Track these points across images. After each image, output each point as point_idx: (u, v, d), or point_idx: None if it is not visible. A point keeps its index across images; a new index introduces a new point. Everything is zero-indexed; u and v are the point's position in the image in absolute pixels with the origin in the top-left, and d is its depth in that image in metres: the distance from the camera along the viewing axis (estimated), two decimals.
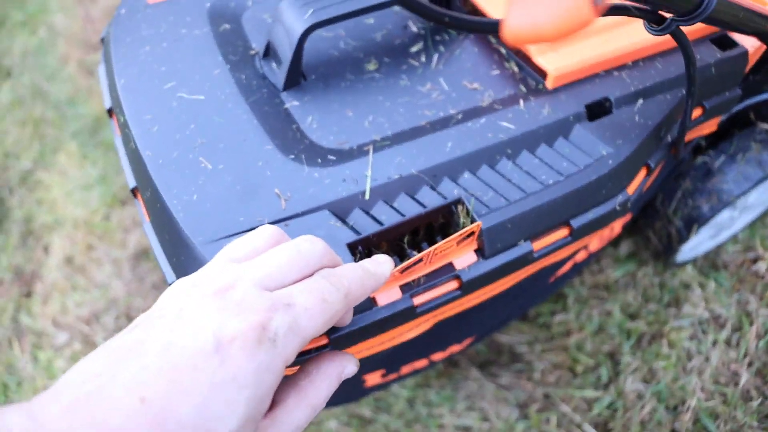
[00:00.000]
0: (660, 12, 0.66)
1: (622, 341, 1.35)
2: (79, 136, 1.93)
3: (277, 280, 0.43)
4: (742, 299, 1.35)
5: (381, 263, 0.51)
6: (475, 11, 0.95)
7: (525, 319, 1.41)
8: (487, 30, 0.51)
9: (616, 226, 1.13)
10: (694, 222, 1.18)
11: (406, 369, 1.01)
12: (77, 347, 1.53)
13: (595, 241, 1.11)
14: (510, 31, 0.42)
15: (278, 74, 0.87)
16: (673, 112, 0.89)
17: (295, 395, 0.45)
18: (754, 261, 1.39)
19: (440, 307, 0.75)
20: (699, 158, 1.17)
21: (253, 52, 0.93)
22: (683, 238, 1.21)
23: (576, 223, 0.80)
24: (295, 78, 0.87)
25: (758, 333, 1.32)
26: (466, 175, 0.77)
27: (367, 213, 0.73)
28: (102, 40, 1.00)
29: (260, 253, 0.45)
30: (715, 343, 1.32)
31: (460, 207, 0.74)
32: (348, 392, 1.04)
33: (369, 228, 0.71)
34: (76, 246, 1.72)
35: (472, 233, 0.71)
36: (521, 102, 0.85)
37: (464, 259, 0.73)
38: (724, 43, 0.97)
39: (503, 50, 0.92)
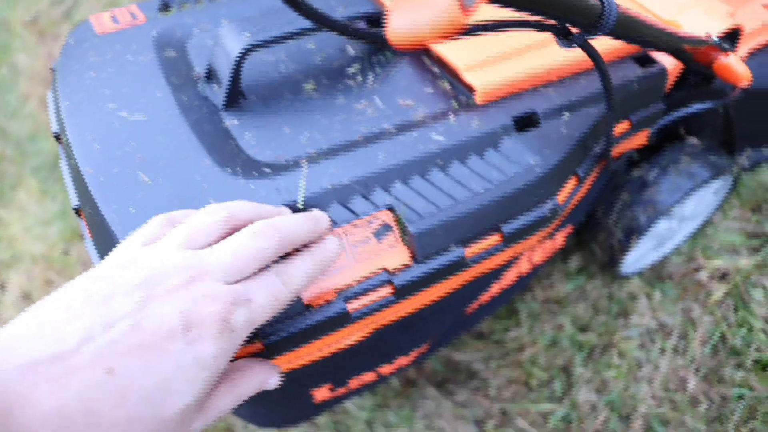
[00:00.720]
0: (568, 27, 0.71)
1: (575, 353, 1.37)
2: (40, 171, 1.93)
3: (237, 274, 0.48)
4: (686, 307, 1.40)
5: (329, 250, 0.62)
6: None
7: (480, 337, 1.43)
8: (374, 38, 0.54)
9: (559, 238, 1.17)
10: (633, 232, 1.22)
11: (354, 383, 1.02)
12: None
13: (538, 253, 1.15)
14: (393, 37, 0.45)
15: (218, 95, 0.90)
16: (598, 124, 0.94)
17: (227, 384, 0.50)
18: (696, 270, 1.44)
19: (376, 312, 0.77)
20: (635, 171, 1.22)
21: (196, 76, 0.96)
22: (625, 248, 1.25)
23: (507, 229, 0.83)
24: (235, 98, 0.90)
25: (703, 339, 1.36)
26: (398, 184, 0.81)
27: None
28: (52, 69, 1.03)
29: (214, 237, 0.52)
30: (663, 351, 1.36)
31: (392, 214, 0.77)
32: (298, 410, 1.04)
33: None
34: (34, 282, 1.72)
35: (385, 223, 0.74)
36: (452, 116, 0.89)
37: (396, 262, 0.76)
38: (644, 61, 1.03)
39: (437, 70, 0.96)
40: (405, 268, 0.77)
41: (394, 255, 0.77)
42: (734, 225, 1.48)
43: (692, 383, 1.32)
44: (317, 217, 0.63)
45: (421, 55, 0.99)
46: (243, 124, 0.88)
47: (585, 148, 0.94)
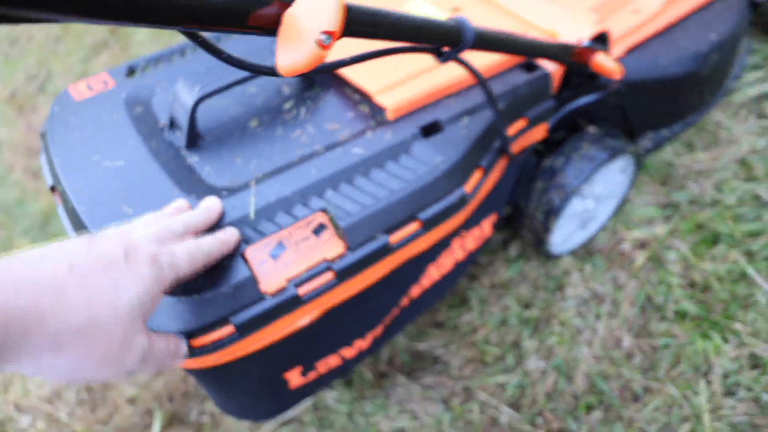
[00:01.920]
0: (440, 48, 0.92)
1: (522, 329, 1.56)
2: (30, 231, 2.11)
3: (169, 238, 0.78)
4: (614, 276, 1.59)
5: (228, 233, 0.90)
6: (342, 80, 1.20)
7: (438, 326, 1.61)
8: (266, 72, 0.72)
9: (486, 226, 1.37)
10: (550, 214, 1.42)
11: (322, 367, 1.20)
12: (41, 426, 1.65)
13: (469, 241, 1.34)
14: (281, 70, 0.65)
15: (180, 138, 1.10)
16: (494, 123, 1.15)
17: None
18: (620, 243, 1.64)
19: (322, 294, 0.96)
20: (546, 161, 1.43)
21: (161, 126, 1.16)
22: (547, 229, 1.45)
23: (423, 216, 1.03)
24: (194, 140, 1.10)
25: (631, 301, 1.55)
26: (330, 191, 1.00)
27: (254, 228, 0.94)
28: (42, 134, 1.22)
29: (168, 215, 0.86)
30: (598, 316, 1.55)
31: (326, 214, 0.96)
32: (278, 397, 1.21)
33: (255, 238, 0.92)
34: None
35: (321, 223, 0.94)
36: (369, 133, 1.09)
37: (333, 252, 0.95)
38: (530, 67, 1.24)
39: (356, 96, 1.17)
40: (341, 256, 0.96)
41: (331, 247, 0.96)
42: (648, 199, 1.69)
43: (626, 341, 1.51)
44: (209, 206, 0.92)
45: (343, 86, 1.20)
46: (202, 159, 1.08)
47: (484, 145, 1.14)
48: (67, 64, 2.73)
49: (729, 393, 1.39)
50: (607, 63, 1.26)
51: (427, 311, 1.62)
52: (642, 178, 1.73)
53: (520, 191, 1.47)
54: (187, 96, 1.07)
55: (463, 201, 1.08)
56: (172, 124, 1.13)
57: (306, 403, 1.54)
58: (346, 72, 1.19)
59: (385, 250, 1.00)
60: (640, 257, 1.60)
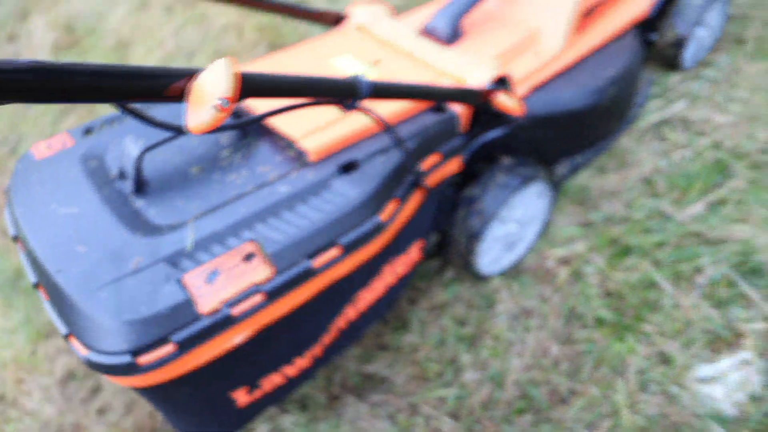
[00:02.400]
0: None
1: (459, 345, 1.70)
2: (2, 289, 2.22)
3: None
4: (540, 292, 1.75)
5: None
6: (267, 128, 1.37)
7: (384, 348, 1.75)
8: (180, 131, 0.88)
9: (413, 251, 1.53)
10: (473, 238, 1.58)
11: (267, 385, 1.33)
12: None
13: (399, 266, 1.49)
14: (190, 129, 0.81)
15: (128, 186, 1.25)
16: (405, 160, 1.31)
17: None
18: (545, 261, 1.80)
19: (254, 314, 1.10)
20: (467, 191, 1.60)
21: (112, 176, 1.31)
22: (471, 252, 1.61)
23: (343, 241, 1.18)
24: (140, 187, 1.25)
25: (557, 313, 1.70)
26: (259, 224, 1.16)
27: (192, 258, 1.09)
28: (6, 191, 1.36)
29: None
30: (527, 329, 1.69)
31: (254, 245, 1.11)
32: (226, 414, 1.33)
33: (193, 266, 1.07)
34: (5, 384, 1.97)
35: (251, 251, 1.08)
36: (294, 173, 1.25)
37: (262, 276, 1.09)
38: (439, 109, 1.42)
39: (284, 142, 1.34)
40: (269, 279, 1.10)
41: (260, 271, 1.10)
42: (569, 220, 1.87)
43: (554, 349, 1.65)
44: None
45: (272, 134, 1.36)
46: (148, 203, 1.23)
47: (398, 179, 1.30)
48: (38, 126, 2.89)
49: (643, 389, 1.53)
50: (507, 102, 1.45)
51: (369, 332, 1.75)
52: (562, 201, 1.91)
53: (445, 219, 1.63)
54: (132, 149, 1.23)
55: (378, 228, 1.24)
56: (122, 175, 1.29)
57: (263, 428, 1.66)
58: (274, 121, 1.36)
59: (309, 273, 1.15)
60: (563, 273, 1.76)
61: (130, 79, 0.72)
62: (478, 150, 1.56)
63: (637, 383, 1.54)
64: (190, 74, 0.80)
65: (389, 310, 1.75)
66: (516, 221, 1.71)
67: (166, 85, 0.78)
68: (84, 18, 3.84)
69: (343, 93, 1.05)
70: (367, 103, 1.17)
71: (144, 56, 3.26)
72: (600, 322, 1.66)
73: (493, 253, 1.72)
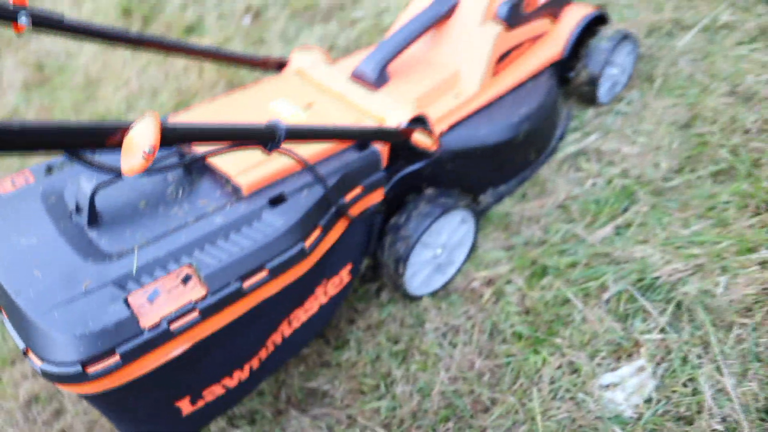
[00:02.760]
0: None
1: (391, 360, 1.86)
2: None
3: None
4: (467, 310, 1.92)
5: None
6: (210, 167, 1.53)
7: (326, 365, 1.90)
8: (113, 171, 1.05)
9: (344, 274, 1.69)
10: (399, 261, 1.75)
11: (208, 396, 1.47)
12: None
13: (330, 288, 1.66)
14: (124, 172, 0.97)
15: (83, 219, 1.40)
16: (328, 192, 1.48)
17: None
18: (472, 282, 1.97)
19: (190, 328, 1.25)
20: (393, 219, 1.77)
21: (69, 211, 1.46)
22: (399, 275, 1.78)
23: (270, 266, 1.34)
24: (94, 219, 1.40)
25: (481, 330, 1.87)
26: (196, 251, 1.32)
27: (136, 281, 1.24)
28: None
29: None
30: (454, 345, 1.86)
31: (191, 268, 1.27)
32: (173, 423, 1.47)
33: (136, 287, 1.22)
34: None
35: (187, 274, 1.24)
36: (229, 206, 1.42)
37: (197, 295, 1.25)
38: (362, 146, 1.60)
39: (222, 179, 1.50)
40: (203, 298, 1.26)
41: (196, 291, 1.26)
42: (494, 244, 2.05)
43: (478, 362, 1.81)
44: None
45: (213, 171, 1.53)
46: (100, 234, 1.38)
47: (321, 209, 1.47)
48: (5, 163, 3.02)
49: (555, 396, 1.70)
50: (422, 139, 1.64)
51: (312, 351, 1.90)
52: (488, 227, 2.09)
53: (376, 245, 1.80)
54: (86, 186, 1.38)
55: (302, 253, 1.40)
56: (78, 209, 1.44)
57: None
58: (214, 160, 1.52)
59: (239, 293, 1.31)
60: (487, 293, 1.93)
61: (78, 134, 0.90)
62: (399, 182, 1.74)
63: (550, 391, 1.71)
64: (124, 127, 0.97)
65: (325, 327, 1.90)
66: (442, 246, 1.88)
67: (106, 138, 0.96)
68: (54, 56, 4.00)
69: (262, 137, 1.22)
70: (290, 145, 1.34)
71: (111, 94, 3.42)
72: (518, 336, 1.83)
73: (422, 276, 1.89)
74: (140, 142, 0.96)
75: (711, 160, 2.08)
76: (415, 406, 1.76)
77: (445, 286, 2.00)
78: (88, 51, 3.82)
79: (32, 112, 3.49)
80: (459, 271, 2.02)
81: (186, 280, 1.27)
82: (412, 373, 1.82)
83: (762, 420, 1.55)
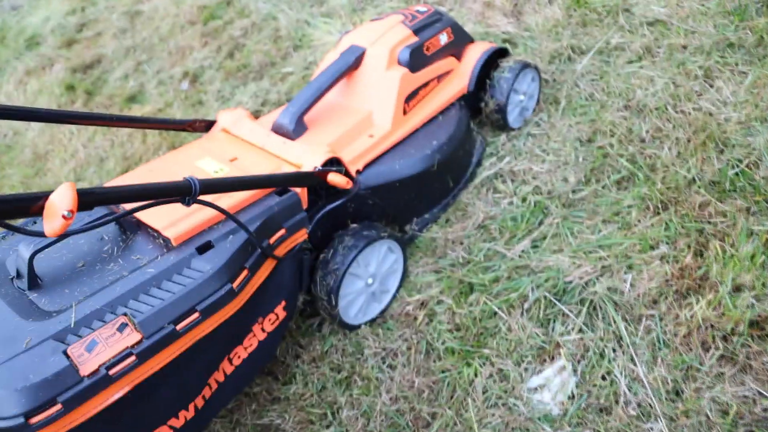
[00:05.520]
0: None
1: (336, 389, 1.96)
2: None
3: None
4: (403, 333, 2.04)
5: None
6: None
7: (276, 401, 1.99)
8: (40, 235, 1.17)
9: (279, 311, 1.81)
10: (331, 293, 1.88)
11: None
12: None
13: (267, 325, 1.77)
14: (47, 233, 1.09)
15: (24, 283, 1.51)
16: (252, 237, 1.61)
17: None
18: (406, 306, 2.10)
19: (129, 372, 1.35)
20: (322, 255, 1.91)
21: (11, 277, 1.56)
22: (333, 306, 1.90)
23: (200, 307, 1.46)
24: (34, 282, 1.51)
25: (417, 350, 1.99)
26: (131, 300, 1.43)
27: (75, 334, 1.35)
28: None
29: None
30: (393, 367, 1.98)
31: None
32: None
33: (75, 340, 1.33)
34: None
35: (123, 322, 1.36)
36: (160, 257, 1.54)
37: (133, 341, 1.35)
38: (282, 192, 1.74)
39: (153, 233, 1.62)
40: (138, 342, 1.37)
41: (132, 337, 1.37)
42: (424, 268, 2.19)
43: (417, 381, 1.93)
44: None
45: (144, 227, 1.65)
46: (40, 295, 1.49)
47: (247, 252, 1.60)
48: None
49: (488, 404, 1.83)
50: (336, 179, 1.79)
51: (262, 389, 2.00)
52: (417, 253, 2.24)
53: (309, 281, 1.93)
54: (25, 252, 1.49)
55: (231, 293, 1.52)
56: (18, 274, 1.55)
57: None
58: (144, 217, 1.64)
59: (172, 335, 1.42)
60: (420, 314, 2.07)
61: (4, 206, 1.03)
62: (323, 220, 1.88)
63: (483, 400, 1.83)
64: (45, 196, 1.10)
65: (268, 363, 2.00)
66: (371, 276, 2.01)
67: (30, 206, 1.09)
68: (1, 136, 4.11)
69: (177, 193, 1.36)
70: (214, 197, 1.48)
71: (59, 167, 3.53)
72: (450, 351, 1.96)
73: (357, 306, 2.02)
74: (59, 207, 1.09)
75: (613, 170, 2.27)
76: (360, 429, 1.86)
77: (382, 314, 2.12)
78: (35, 126, 3.94)
79: None
80: (394, 298, 2.15)
81: (122, 328, 1.38)
82: (356, 398, 1.93)
83: (671, 401, 1.70)
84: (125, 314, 1.40)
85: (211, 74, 3.58)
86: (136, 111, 3.64)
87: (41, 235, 1.22)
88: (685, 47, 2.57)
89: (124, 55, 4.21)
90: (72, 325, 1.37)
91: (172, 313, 1.43)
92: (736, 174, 2.10)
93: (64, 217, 1.08)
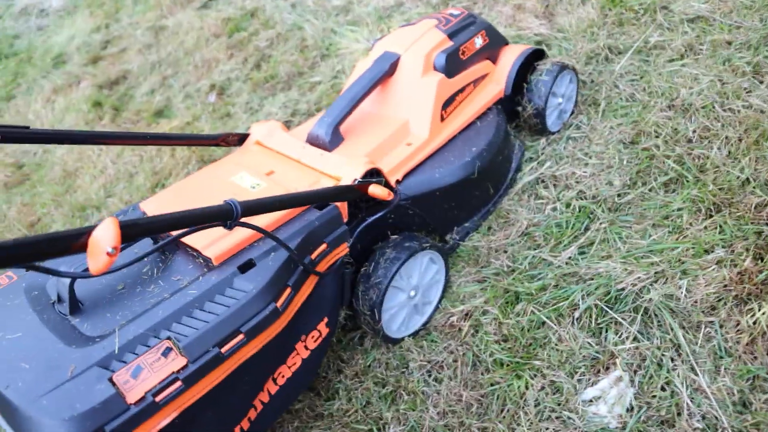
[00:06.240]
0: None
1: (381, 404, 1.91)
2: None
3: None
4: (448, 345, 1.98)
5: None
6: None
7: (319, 417, 1.94)
8: (84, 275, 1.14)
9: (321, 328, 1.76)
10: (374, 308, 1.82)
11: None
12: None
13: (309, 342, 1.72)
14: (92, 272, 1.05)
15: (65, 308, 1.48)
16: (293, 254, 1.56)
17: None
18: (450, 317, 2.04)
19: (175, 398, 1.31)
20: (363, 269, 1.85)
21: (51, 302, 1.53)
22: (376, 320, 1.85)
23: (245, 329, 1.42)
24: (75, 307, 1.48)
25: (463, 362, 1.93)
26: (174, 323, 1.39)
27: (119, 360, 1.31)
28: None
29: None
30: (440, 380, 1.91)
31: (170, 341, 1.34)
32: None
33: (119, 366, 1.29)
34: None
35: (167, 347, 1.31)
36: (201, 277, 1.50)
37: (178, 366, 1.31)
38: (321, 205, 1.70)
39: (193, 253, 1.58)
40: (184, 367, 1.33)
41: (176, 363, 1.33)
42: (467, 278, 2.13)
43: (464, 395, 1.87)
44: None
45: (184, 247, 1.61)
46: (82, 320, 1.46)
47: (289, 270, 1.55)
48: None
49: (541, 418, 1.75)
50: (377, 191, 1.74)
51: (304, 405, 1.95)
52: (460, 263, 2.18)
53: (351, 295, 1.88)
54: (65, 278, 1.46)
55: (275, 313, 1.48)
56: (59, 299, 1.52)
57: None
58: (184, 237, 1.61)
59: (218, 359, 1.38)
60: (466, 326, 2.00)
61: (46, 246, 0.99)
62: (363, 233, 1.83)
63: (536, 414, 1.76)
64: (87, 232, 1.06)
65: (311, 380, 1.95)
66: (414, 288, 1.96)
67: (72, 244, 1.05)
68: (31, 155, 4.14)
69: (219, 217, 1.31)
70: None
71: (89, 183, 3.54)
72: (500, 364, 1.89)
73: (400, 319, 1.96)
74: (102, 244, 1.05)
75: (660, 172, 2.19)
76: None
77: (425, 326, 2.06)
78: (64, 145, 3.96)
79: (14, 211, 3.59)
80: (437, 309, 2.09)
81: (166, 353, 1.34)
82: (402, 414, 1.87)
83: (739, 413, 1.61)
84: (169, 338, 1.36)
85: (238, 86, 3.56)
86: (164, 125, 3.64)
87: (84, 275, 1.20)
88: (729, 43, 2.47)
89: (149, 70, 4.23)
90: (116, 351, 1.33)
91: (216, 336, 1.38)
92: None
93: (108, 254, 1.04)
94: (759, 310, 1.76)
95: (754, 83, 2.31)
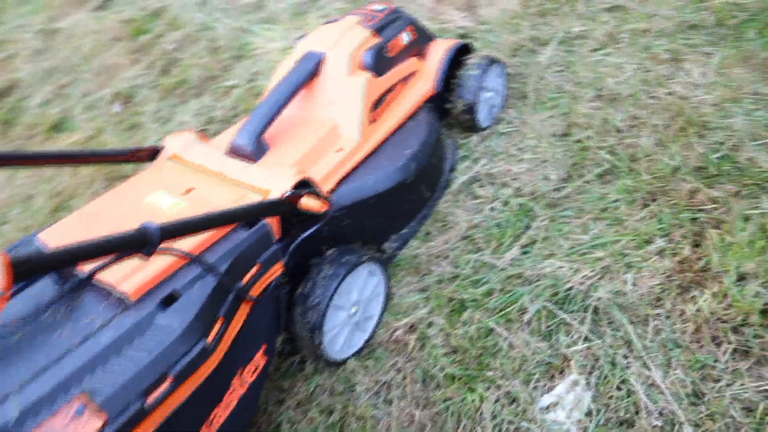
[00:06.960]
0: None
1: None
2: None
3: None
4: (394, 362, 1.86)
5: None
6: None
7: None
8: None
9: (258, 359, 1.59)
10: (314, 330, 1.67)
11: None
12: None
13: (246, 377, 1.55)
14: None
15: None
16: (222, 279, 1.40)
17: None
18: (394, 332, 1.92)
19: None
20: (299, 289, 1.70)
21: None
22: (317, 342, 1.70)
23: (173, 372, 1.24)
24: None
25: (413, 379, 1.81)
26: (88, 375, 1.19)
27: (18, 429, 1.10)
28: None
29: None
30: (390, 401, 1.79)
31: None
32: None
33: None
34: None
35: (82, 403, 1.12)
36: (118, 317, 1.30)
37: (93, 427, 1.12)
38: (251, 224, 1.53)
39: (106, 289, 1.38)
40: (103, 427, 1.13)
41: (93, 423, 1.13)
42: (408, 289, 2.02)
43: (417, 415, 1.75)
44: None
45: (93, 283, 1.41)
46: None
47: (219, 298, 1.38)
48: None
49: (500, 431, 1.67)
50: (310, 203, 1.59)
51: None
52: (399, 272, 2.06)
53: (287, 319, 1.72)
54: None
55: (206, 350, 1.31)
56: None
57: None
58: (90, 268, 1.40)
59: (143, 411, 1.19)
60: (411, 339, 1.89)
61: None
62: (298, 249, 1.67)
63: (493, 428, 1.67)
64: None
65: (252, 416, 1.78)
66: (354, 304, 1.82)
67: None
68: None
69: (135, 245, 1.13)
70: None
71: None
72: (451, 378, 1.79)
73: (342, 339, 1.82)
74: None
75: (594, 164, 2.16)
76: None
77: (367, 343, 1.93)
78: None
79: None
80: (379, 324, 1.97)
81: (80, 412, 1.14)
82: None
83: (693, 405, 1.59)
84: (82, 394, 1.16)
85: (146, 94, 3.29)
86: (64, 140, 3.32)
87: None
88: (646, 31, 2.49)
89: (42, 78, 3.86)
90: (14, 419, 1.12)
91: (139, 385, 1.20)
92: (721, 158, 2.03)
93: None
94: (701, 297, 1.75)
95: (674, 70, 2.33)
